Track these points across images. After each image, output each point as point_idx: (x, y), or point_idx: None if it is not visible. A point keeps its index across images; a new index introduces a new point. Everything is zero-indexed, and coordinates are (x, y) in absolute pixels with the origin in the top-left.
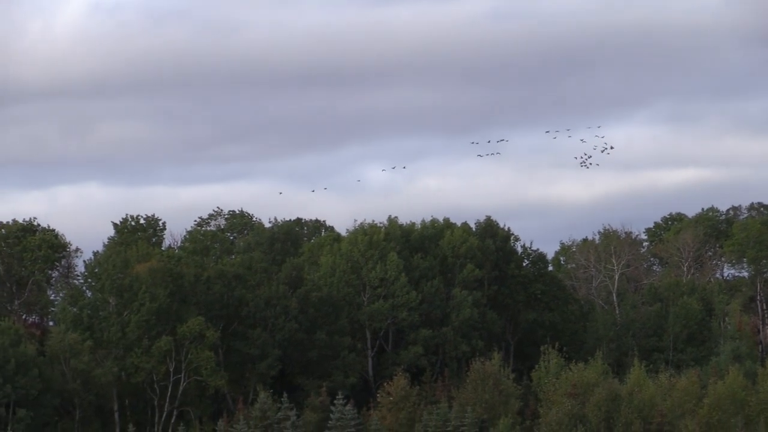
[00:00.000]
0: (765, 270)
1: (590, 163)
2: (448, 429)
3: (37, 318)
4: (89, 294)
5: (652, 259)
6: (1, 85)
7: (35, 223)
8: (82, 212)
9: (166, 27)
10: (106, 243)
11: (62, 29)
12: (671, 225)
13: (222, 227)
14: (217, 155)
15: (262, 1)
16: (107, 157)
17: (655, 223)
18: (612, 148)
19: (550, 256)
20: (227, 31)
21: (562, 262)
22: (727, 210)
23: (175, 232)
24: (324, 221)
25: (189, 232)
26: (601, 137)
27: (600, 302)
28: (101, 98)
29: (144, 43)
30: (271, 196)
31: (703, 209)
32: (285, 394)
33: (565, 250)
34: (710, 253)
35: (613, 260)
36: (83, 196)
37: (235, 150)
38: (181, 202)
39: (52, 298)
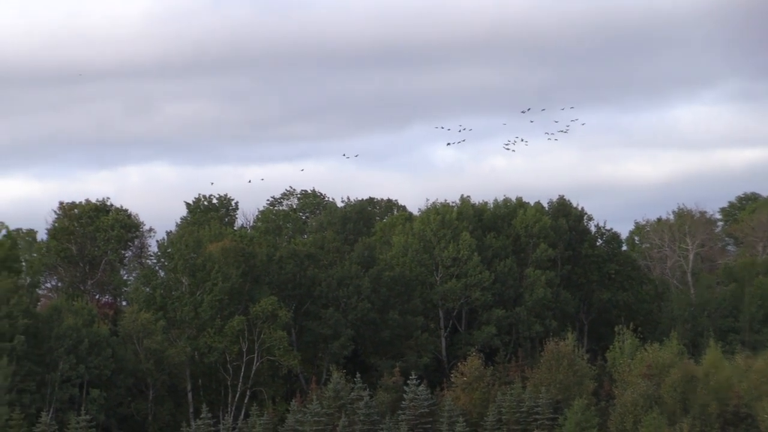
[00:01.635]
0: None
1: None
2: (522, 410)
3: (110, 298)
4: (162, 274)
5: (726, 238)
6: (69, 65)
7: (108, 203)
8: (150, 192)
9: (230, 6)
10: (179, 222)
11: (127, 10)
12: (746, 204)
13: (294, 207)
14: (284, 134)
15: None
16: (174, 137)
17: (729, 202)
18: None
19: (623, 235)
20: (292, 9)
21: (636, 242)
22: None
23: (247, 211)
24: (396, 200)
25: (261, 212)
26: None
27: (675, 282)
28: (167, 78)
29: (208, 23)
30: (337, 175)
31: None
32: (358, 375)
33: (639, 229)
34: None
35: (688, 240)
36: (151, 176)
37: (301, 129)
38: (247, 182)
39: (125, 278)
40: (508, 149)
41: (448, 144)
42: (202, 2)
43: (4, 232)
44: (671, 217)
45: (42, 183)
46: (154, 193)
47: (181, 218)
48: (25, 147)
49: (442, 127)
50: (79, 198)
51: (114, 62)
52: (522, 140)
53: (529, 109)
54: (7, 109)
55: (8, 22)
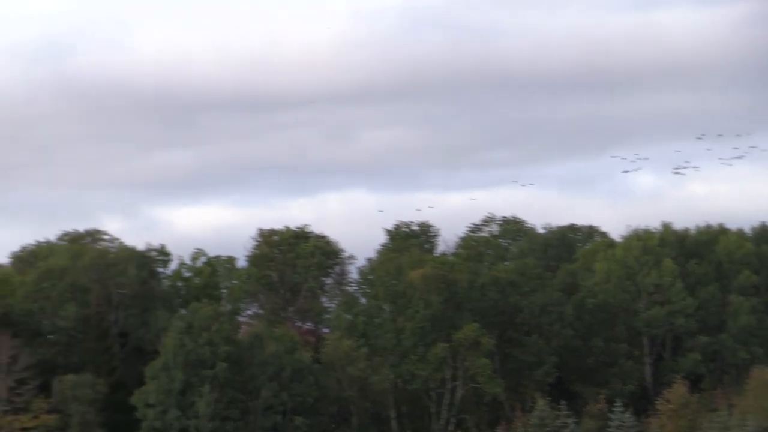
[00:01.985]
0: None
1: None
2: None
3: (311, 325)
4: (363, 301)
5: None
6: (266, 92)
7: (308, 230)
8: (349, 219)
9: (427, 32)
10: (379, 249)
11: (323, 36)
12: None
13: (495, 233)
14: (483, 160)
15: (525, 4)
16: (373, 163)
17: None
18: None
19: None
20: (490, 35)
21: None
22: None
23: (447, 237)
24: (598, 227)
25: (462, 238)
26: None
27: None
28: (364, 104)
29: (406, 49)
30: (537, 202)
31: None
32: (563, 402)
33: None
34: None
35: None
36: (350, 203)
37: (500, 155)
38: (446, 208)
39: (326, 305)
40: (678, 173)
41: (625, 172)
42: (399, 28)
43: (203, 259)
44: None
45: (240, 210)
46: (353, 219)
47: (382, 245)
48: (223, 174)
49: (618, 156)
50: (278, 225)
51: (312, 89)
52: (694, 167)
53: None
54: (205, 137)
55: (206, 49)
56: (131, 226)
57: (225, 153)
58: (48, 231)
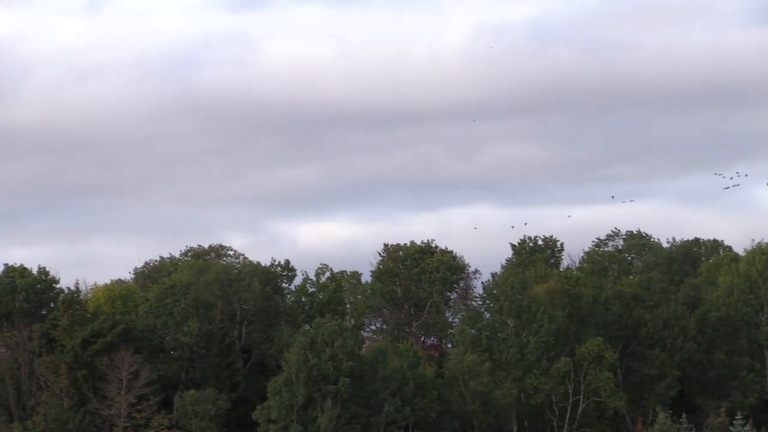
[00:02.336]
0: None
1: None
2: None
3: (435, 340)
4: (487, 316)
5: None
6: (391, 107)
7: (433, 245)
8: (474, 234)
9: (552, 47)
10: (504, 264)
11: (448, 51)
12: None
13: (620, 248)
14: (607, 175)
15: (649, 21)
16: (497, 178)
17: None
18: None
19: None
20: (614, 51)
21: None
22: None
23: (572, 252)
24: (722, 241)
25: (587, 253)
26: None
27: None
28: (489, 119)
29: (531, 64)
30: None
31: None
32: (684, 415)
33: None
34: None
35: None
36: (475, 218)
37: (624, 170)
38: (571, 223)
39: (450, 320)
40: None
41: (726, 188)
42: (524, 44)
43: (328, 274)
44: None
45: (365, 225)
46: (478, 234)
47: (507, 260)
48: (348, 190)
49: (718, 174)
50: (402, 240)
51: (437, 104)
52: None
53: None
54: (330, 152)
55: (331, 65)
56: (254, 242)
57: (350, 168)
58: (172, 247)
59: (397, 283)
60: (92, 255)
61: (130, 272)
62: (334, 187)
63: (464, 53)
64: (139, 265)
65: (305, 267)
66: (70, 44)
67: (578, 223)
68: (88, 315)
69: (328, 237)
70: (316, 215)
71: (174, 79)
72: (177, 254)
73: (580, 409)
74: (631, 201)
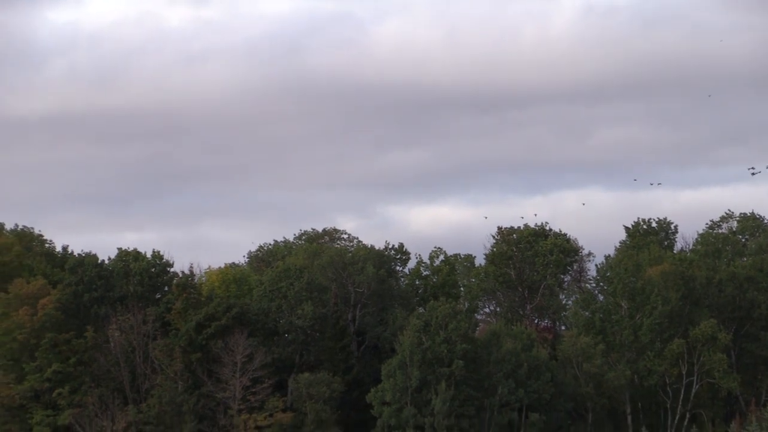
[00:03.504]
0: None
1: None
2: None
3: (548, 322)
4: (601, 298)
5: None
6: (500, 90)
7: (546, 228)
8: (585, 216)
9: (660, 29)
10: (617, 247)
11: (556, 33)
12: None
13: (733, 229)
14: (718, 157)
15: (757, 4)
16: (607, 161)
17: None
18: None
19: None
20: (723, 33)
21: None
22: None
23: (687, 234)
24: None
25: (701, 235)
26: None
27: None
28: (598, 102)
29: (639, 46)
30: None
31: None
32: None
33: None
34: None
35: None
36: (586, 201)
37: (735, 152)
38: (681, 205)
39: (563, 302)
40: None
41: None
42: (632, 26)
43: (441, 257)
44: None
45: (476, 208)
46: (589, 217)
47: (620, 242)
48: (459, 173)
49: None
50: (512, 223)
51: (545, 87)
52: None
53: None
54: (439, 135)
55: (441, 48)
56: (365, 225)
57: (459, 152)
58: (282, 230)
59: (511, 265)
60: (202, 239)
61: (243, 256)
62: (443, 171)
63: (572, 35)
64: (253, 248)
65: (417, 250)
66: (178, 30)
67: (690, 205)
68: (203, 298)
69: (438, 220)
70: (426, 198)
71: (282, 64)
72: (291, 238)
73: (693, 391)
74: (659, 184)
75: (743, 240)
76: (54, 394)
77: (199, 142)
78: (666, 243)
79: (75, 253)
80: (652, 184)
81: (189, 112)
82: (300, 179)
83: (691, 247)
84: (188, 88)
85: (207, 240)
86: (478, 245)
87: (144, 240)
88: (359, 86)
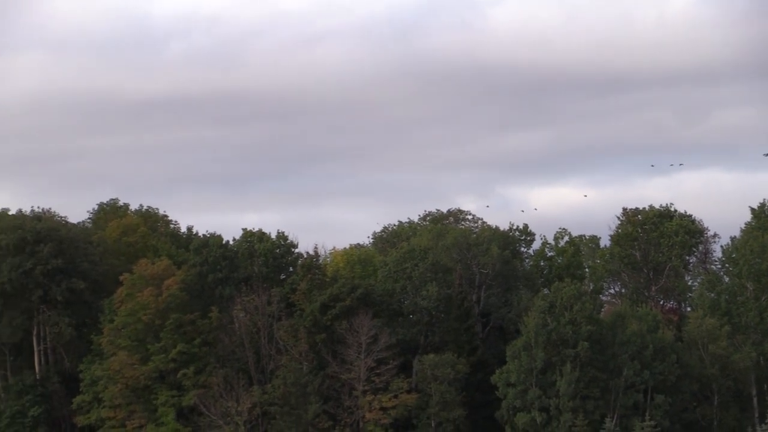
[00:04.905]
0: None
1: None
2: None
3: (674, 304)
4: (726, 279)
5: None
6: (619, 72)
7: (671, 209)
8: (708, 198)
9: None
10: (743, 228)
11: (675, 15)
12: None
13: None
14: None
15: None
16: (727, 143)
17: None
18: None
19: None
20: None
21: None
22: None
23: None
24: None
25: None
26: None
27: None
28: (717, 83)
29: (758, 28)
30: None
31: None
32: None
33: None
34: None
35: None
36: (708, 182)
37: None
38: None
39: (689, 283)
40: None
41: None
42: (751, 8)
43: (566, 238)
44: None
45: (598, 190)
46: (712, 198)
47: (746, 224)
48: (577, 154)
49: None
50: (634, 204)
51: (664, 68)
52: None
53: None
54: (558, 116)
55: (559, 29)
56: (485, 206)
57: (579, 133)
58: (401, 211)
59: (636, 246)
60: (322, 220)
61: (368, 237)
62: (563, 152)
63: (691, 17)
64: (378, 229)
65: (537, 231)
66: (295, 11)
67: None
68: (327, 279)
69: (559, 201)
70: (546, 180)
71: (400, 45)
72: (414, 219)
73: None
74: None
75: None
76: (179, 375)
77: (318, 123)
78: None
79: (199, 234)
80: (672, 165)
81: (307, 94)
82: (419, 160)
83: None
84: (306, 69)
85: (326, 221)
86: (600, 226)
87: (264, 220)
88: (478, 67)
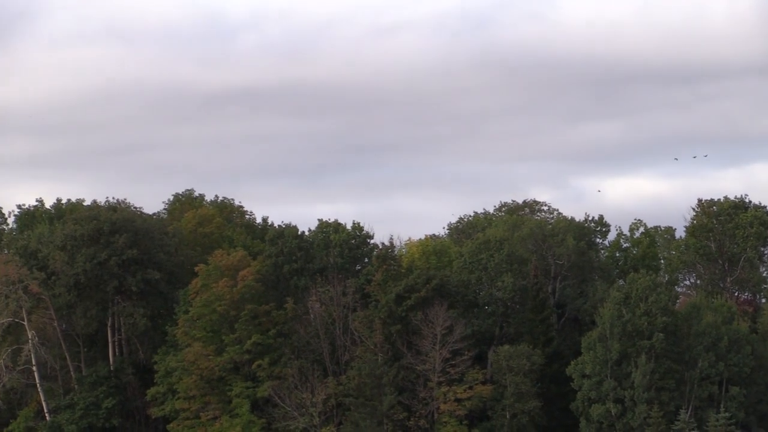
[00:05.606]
0: None
1: None
2: None
3: (749, 295)
4: None
5: None
6: (693, 63)
7: (746, 201)
8: None
9: None
10: None
11: (748, 6)
12: None
13: None
14: None
15: None
16: None
17: None
18: None
19: None
20: None
21: None
22: None
23: None
24: None
25: None
26: None
27: None
28: None
29: None
30: None
31: None
32: None
33: None
34: None
35: None
36: None
37: None
38: None
39: (764, 275)
40: None
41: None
42: None
43: (642, 230)
44: None
45: (669, 181)
46: None
47: None
48: (651, 145)
49: None
50: (708, 196)
51: (737, 60)
52: None
53: None
54: (631, 108)
55: (632, 20)
56: (559, 197)
57: (652, 124)
58: (475, 202)
59: (711, 238)
60: (395, 210)
61: (443, 227)
62: (637, 143)
63: (764, 9)
64: (453, 220)
65: (611, 222)
66: (369, 2)
67: None
68: (403, 270)
69: (633, 192)
70: (620, 171)
71: (473, 36)
72: (489, 209)
73: None
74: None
75: None
76: (253, 366)
77: (391, 114)
78: None
79: (275, 225)
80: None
81: (381, 85)
82: (493, 151)
83: None
84: (379, 61)
85: (401, 212)
86: (675, 217)
87: (337, 211)
88: (550, 59)
